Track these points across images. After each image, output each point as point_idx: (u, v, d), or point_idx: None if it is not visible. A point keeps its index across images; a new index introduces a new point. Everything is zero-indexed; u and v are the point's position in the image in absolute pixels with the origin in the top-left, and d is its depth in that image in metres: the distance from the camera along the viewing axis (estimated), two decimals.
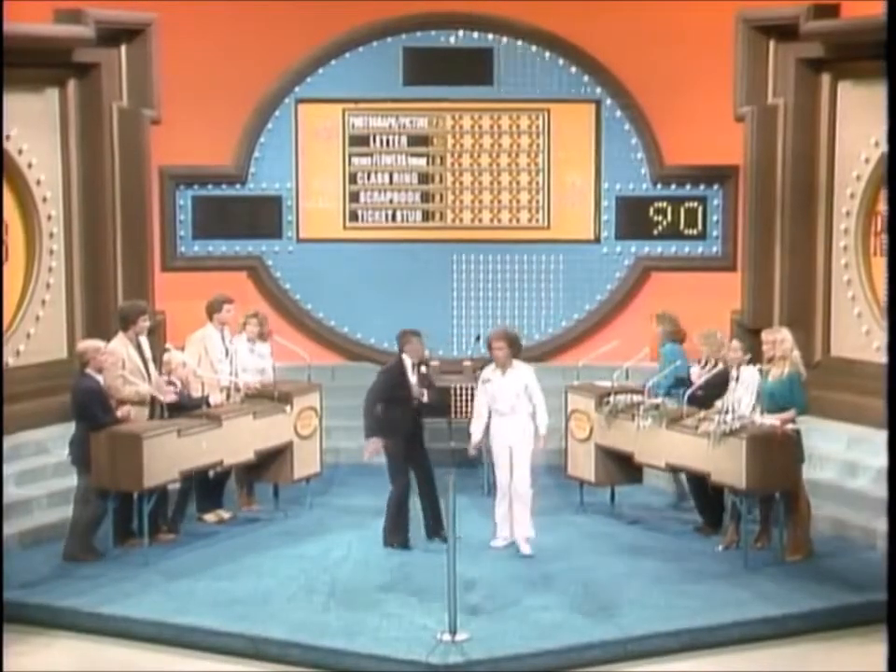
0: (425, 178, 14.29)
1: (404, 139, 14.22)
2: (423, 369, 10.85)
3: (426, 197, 14.31)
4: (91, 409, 10.37)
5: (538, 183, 14.22)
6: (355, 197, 14.28)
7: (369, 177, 14.28)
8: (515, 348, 10.74)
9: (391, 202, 14.30)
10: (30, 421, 11.90)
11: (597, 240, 14.25)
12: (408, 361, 10.76)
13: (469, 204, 14.29)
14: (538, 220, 14.26)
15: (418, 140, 14.21)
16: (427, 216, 14.31)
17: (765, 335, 10.62)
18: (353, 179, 14.27)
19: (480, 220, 14.29)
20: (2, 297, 11.62)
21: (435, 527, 10.74)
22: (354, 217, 14.31)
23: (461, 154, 14.23)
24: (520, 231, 14.26)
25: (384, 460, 10.79)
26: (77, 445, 10.53)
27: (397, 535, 10.70)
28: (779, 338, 10.48)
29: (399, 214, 14.31)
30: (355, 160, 14.24)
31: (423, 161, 14.25)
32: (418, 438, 10.84)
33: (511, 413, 10.63)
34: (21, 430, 11.82)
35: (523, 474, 10.58)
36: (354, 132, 14.18)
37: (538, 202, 14.24)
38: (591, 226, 14.22)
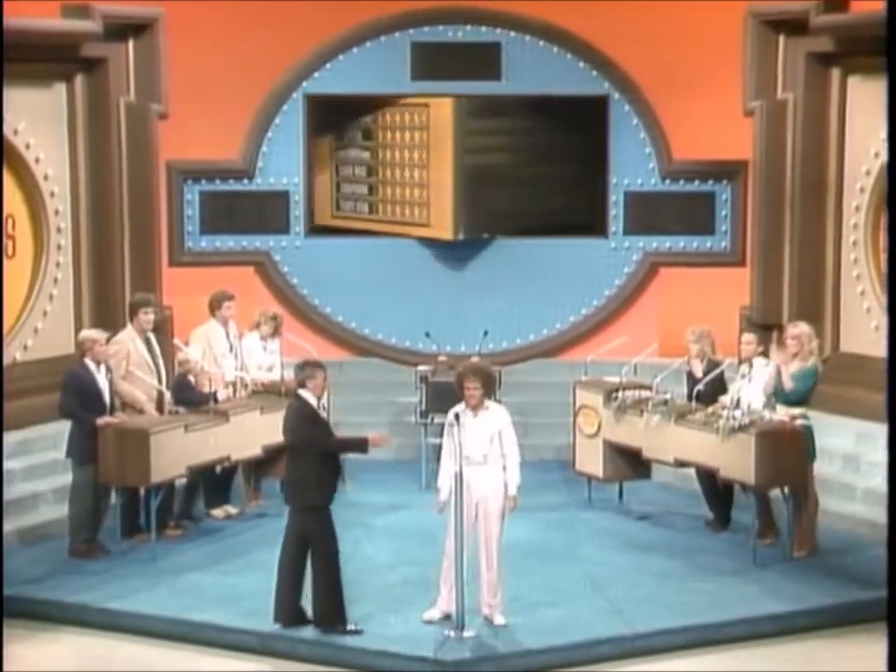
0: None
1: None
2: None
3: None
4: (66, 395, 10.31)
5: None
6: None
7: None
8: (489, 387, 9.08)
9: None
10: (37, 416, 11.86)
11: (605, 235, 14.22)
12: (312, 400, 8.97)
13: None
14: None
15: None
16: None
17: (790, 330, 10.59)
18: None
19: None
20: (2, 294, 11.62)
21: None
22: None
23: None
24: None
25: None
26: (71, 438, 10.47)
27: (341, 613, 8.94)
28: (805, 332, 10.47)
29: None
30: None
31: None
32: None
33: (481, 463, 8.87)
34: (29, 425, 11.81)
35: (494, 534, 8.96)
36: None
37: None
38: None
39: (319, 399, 9.07)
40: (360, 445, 9.11)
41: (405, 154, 14.09)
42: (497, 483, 8.96)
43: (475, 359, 12.54)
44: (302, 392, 8.98)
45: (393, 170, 14.16)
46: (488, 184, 14.07)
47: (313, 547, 8.93)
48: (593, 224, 14.22)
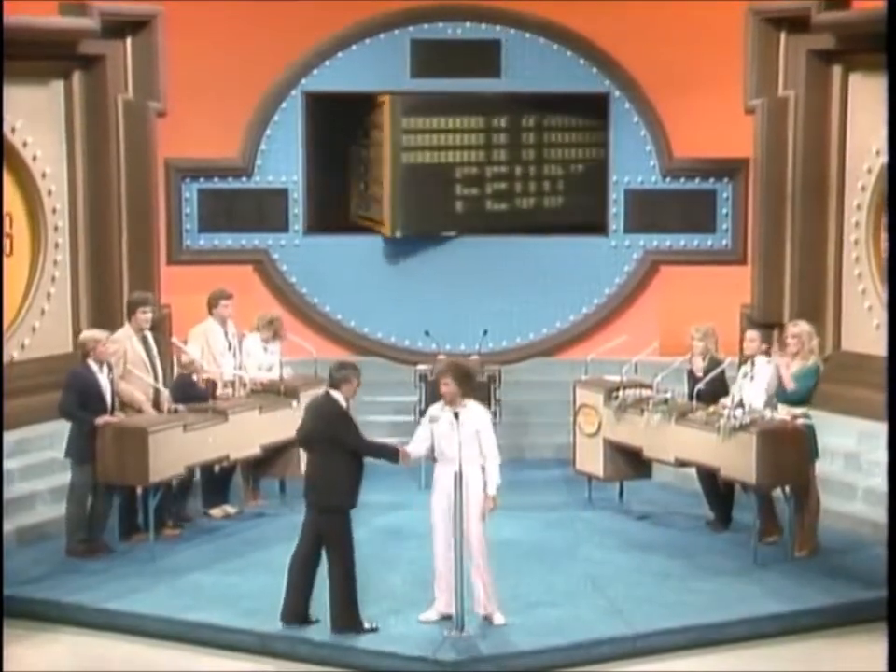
0: None
1: None
2: None
3: None
4: (68, 395, 10.26)
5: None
6: None
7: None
8: (466, 385, 8.96)
9: None
10: (35, 415, 11.83)
11: (606, 233, 14.18)
12: (342, 401, 8.87)
13: None
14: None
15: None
16: None
17: (791, 329, 10.56)
18: None
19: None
20: (2, 292, 11.58)
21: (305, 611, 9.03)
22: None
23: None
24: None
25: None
26: (70, 438, 10.44)
27: (357, 614, 8.87)
28: (805, 331, 10.43)
29: None
30: None
31: None
32: None
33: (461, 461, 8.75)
34: (26, 425, 11.78)
35: (474, 533, 8.88)
36: None
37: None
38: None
39: (348, 401, 8.90)
40: (391, 454, 9.01)
41: (376, 152, 14.07)
42: (475, 482, 8.85)
43: (475, 358, 12.59)
44: (333, 392, 8.84)
45: (376, 167, 14.14)
46: (436, 183, 14.03)
47: (329, 549, 8.84)
48: (593, 222, 14.18)
